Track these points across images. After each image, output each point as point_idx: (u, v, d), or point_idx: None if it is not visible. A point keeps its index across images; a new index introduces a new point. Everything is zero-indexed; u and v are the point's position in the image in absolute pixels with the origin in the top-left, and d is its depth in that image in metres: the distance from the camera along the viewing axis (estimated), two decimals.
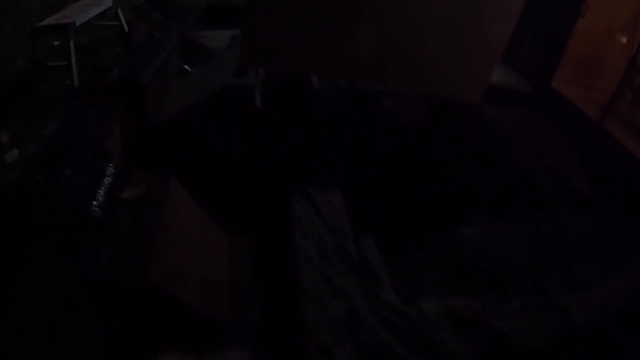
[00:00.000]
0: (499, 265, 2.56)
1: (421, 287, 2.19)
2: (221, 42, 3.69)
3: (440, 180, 2.92)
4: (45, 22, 4.83)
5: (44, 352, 1.56)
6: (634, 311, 2.51)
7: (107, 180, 2.30)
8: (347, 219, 2.23)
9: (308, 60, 2.84)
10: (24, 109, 4.47)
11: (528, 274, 2.59)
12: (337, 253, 2.06)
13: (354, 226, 2.23)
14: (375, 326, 1.90)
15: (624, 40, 5.05)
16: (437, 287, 2.23)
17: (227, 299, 2.15)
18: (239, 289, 2.21)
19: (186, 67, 3.44)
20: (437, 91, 3.10)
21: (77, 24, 4.60)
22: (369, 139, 3.04)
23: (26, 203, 2.11)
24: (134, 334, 1.90)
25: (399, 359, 1.88)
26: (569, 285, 2.57)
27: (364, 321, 1.90)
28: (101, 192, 2.22)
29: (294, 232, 2.12)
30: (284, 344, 2.01)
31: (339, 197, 2.32)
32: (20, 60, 5.26)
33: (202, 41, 3.71)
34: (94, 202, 2.14)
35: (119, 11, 5.60)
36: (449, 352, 1.99)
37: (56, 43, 5.42)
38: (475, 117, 3.50)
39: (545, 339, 2.24)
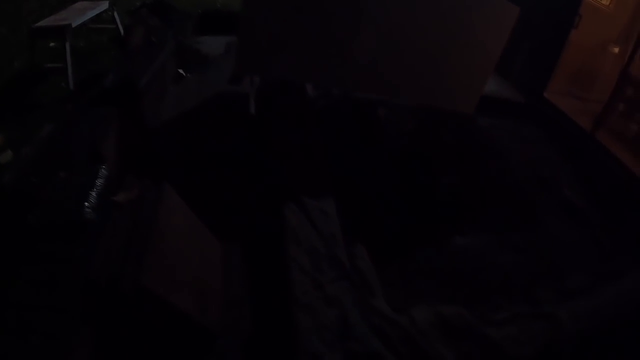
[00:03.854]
0: (490, 275, 2.58)
1: (413, 296, 2.21)
2: (217, 49, 3.69)
3: (433, 190, 2.94)
4: (42, 23, 4.82)
5: (35, 355, 1.55)
6: (624, 320, 2.54)
7: (101, 183, 2.29)
8: (340, 227, 2.24)
9: (305, 69, 2.86)
10: (20, 111, 4.46)
11: (519, 283, 2.61)
12: (329, 261, 2.07)
13: (347, 234, 2.24)
14: (367, 334, 1.91)
15: (616, 51, 5.11)
16: (428, 295, 2.24)
17: (219, 306, 2.15)
18: (231, 296, 2.21)
19: (181, 72, 3.45)
20: (431, 101, 3.12)
21: (73, 25, 4.60)
22: (363, 147, 3.06)
23: (20, 205, 2.11)
24: (126, 338, 1.90)
25: None
26: (560, 295, 2.60)
27: (355, 329, 1.91)
28: (95, 195, 2.21)
29: (287, 240, 2.13)
30: (275, 351, 2.01)
31: (332, 206, 2.33)
32: (17, 62, 5.25)
33: (198, 47, 3.72)
34: (88, 206, 2.13)
35: (115, 14, 5.61)
36: None
37: (52, 45, 5.42)
38: (469, 127, 3.52)
39: (536, 347, 2.26)
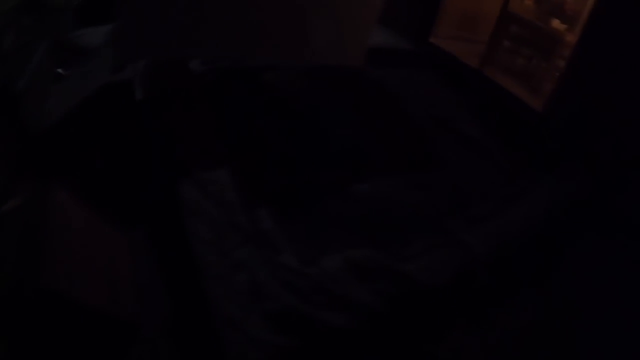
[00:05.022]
0: (398, 215, 2.66)
1: (322, 248, 2.24)
2: (97, 39, 3.52)
3: (330, 143, 2.97)
4: None
5: None
6: (528, 238, 2.73)
7: None
8: (238, 193, 2.26)
9: (189, 44, 2.81)
10: None
11: (429, 217, 2.69)
12: (230, 228, 2.08)
13: (248, 199, 2.26)
14: (279, 291, 1.94)
15: None
16: (338, 244, 2.28)
17: (132, 296, 2.12)
18: (144, 283, 2.18)
19: (60, 71, 3.28)
20: (318, 58, 3.15)
21: None
22: (256, 114, 3.05)
23: None
24: (44, 346, 1.84)
25: (308, 319, 1.94)
26: (469, 222, 2.69)
27: (266, 288, 1.94)
28: None
29: (185, 216, 2.13)
30: (197, 326, 2.02)
31: (227, 175, 2.34)
32: None
33: (77, 41, 3.53)
34: None
35: None
36: (356, 303, 2.05)
37: None
38: (360, 79, 3.59)
39: (450, 273, 2.37)
